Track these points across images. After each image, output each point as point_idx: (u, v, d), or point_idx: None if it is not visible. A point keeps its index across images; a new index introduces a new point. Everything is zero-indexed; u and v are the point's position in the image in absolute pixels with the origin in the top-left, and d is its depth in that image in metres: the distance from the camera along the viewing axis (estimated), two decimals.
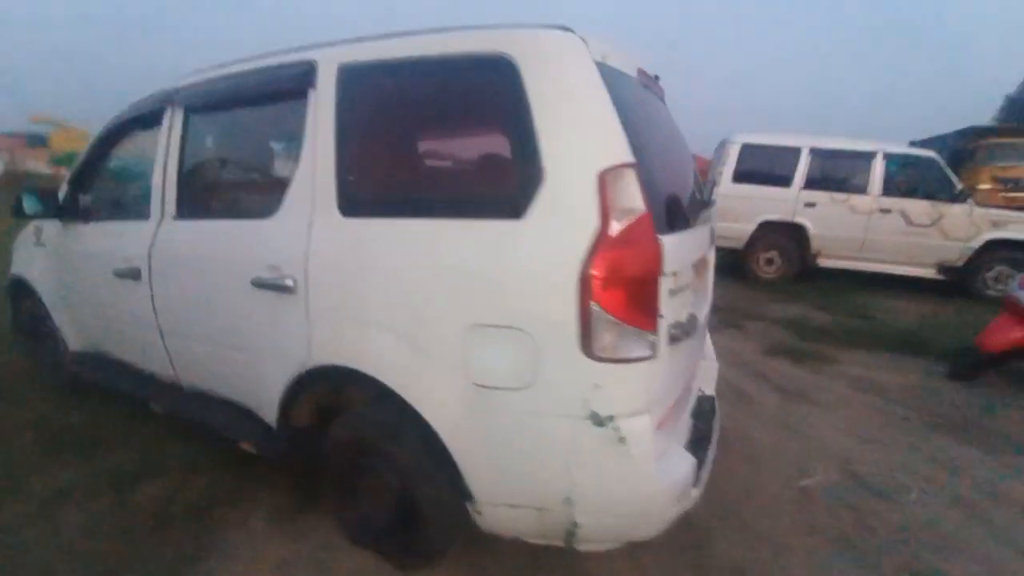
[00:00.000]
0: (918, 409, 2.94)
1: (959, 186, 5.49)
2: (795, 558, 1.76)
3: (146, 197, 2.04)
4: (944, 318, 4.79)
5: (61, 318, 2.60)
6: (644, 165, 1.24)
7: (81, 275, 2.38)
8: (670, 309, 1.28)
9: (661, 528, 1.34)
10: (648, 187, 1.22)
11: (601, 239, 1.15)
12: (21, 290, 2.83)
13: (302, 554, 1.71)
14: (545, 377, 1.22)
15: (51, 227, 2.52)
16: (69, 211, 2.38)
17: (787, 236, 5.85)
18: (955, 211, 5.36)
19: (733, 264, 6.25)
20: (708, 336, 2.17)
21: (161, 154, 1.97)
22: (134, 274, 2.01)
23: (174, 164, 1.94)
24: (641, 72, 1.62)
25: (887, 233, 5.52)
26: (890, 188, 5.54)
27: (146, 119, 2.13)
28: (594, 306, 1.16)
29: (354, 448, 1.62)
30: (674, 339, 1.31)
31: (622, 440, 1.21)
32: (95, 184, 2.42)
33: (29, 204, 2.34)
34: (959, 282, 5.52)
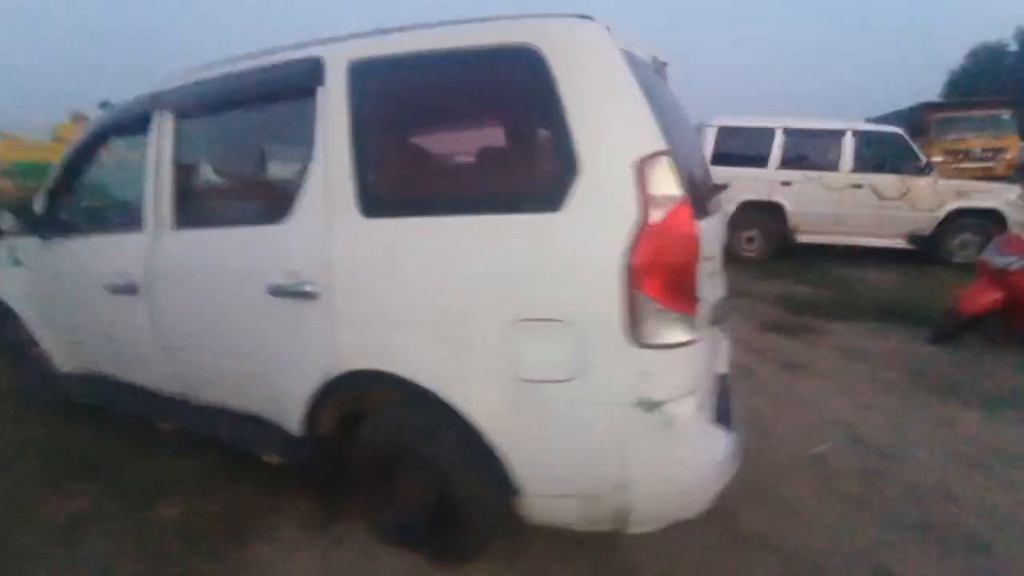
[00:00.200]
0: (908, 373, 3.09)
1: (924, 160, 5.75)
2: (817, 521, 1.84)
3: (137, 208, 1.95)
4: (917, 285, 5.03)
5: (47, 339, 2.47)
6: (672, 152, 1.25)
7: (69, 293, 2.26)
8: (706, 293, 1.30)
9: (706, 505, 1.37)
10: (679, 174, 1.23)
11: (642, 228, 1.16)
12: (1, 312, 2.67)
13: (341, 561, 1.68)
14: (592, 367, 1.22)
15: (28, 244, 2.37)
16: (48, 226, 2.26)
17: (766, 215, 6.01)
18: (921, 183, 5.61)
19: None
20: None
21: (151, 162, 1.88)
22: (129, 289, 1.92)
23: (167, 171, 1.85)
24: (655, 59, 1.63)
25: (859, 207, 5.74)
26: (860, 164, 5.76)
27: (130, 125, 2.03)
28: (639, 294, 1.17)
29: (388, 451, 1.60)
30: (711, 321, 1.34)
31: (671, 423, 1.23)
32: (75, 196, 2.30)
33: (5, 221, 2.21)
34: (927, 250, 5.79)
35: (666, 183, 1.18)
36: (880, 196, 5.66)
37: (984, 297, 3.21)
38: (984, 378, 2.99)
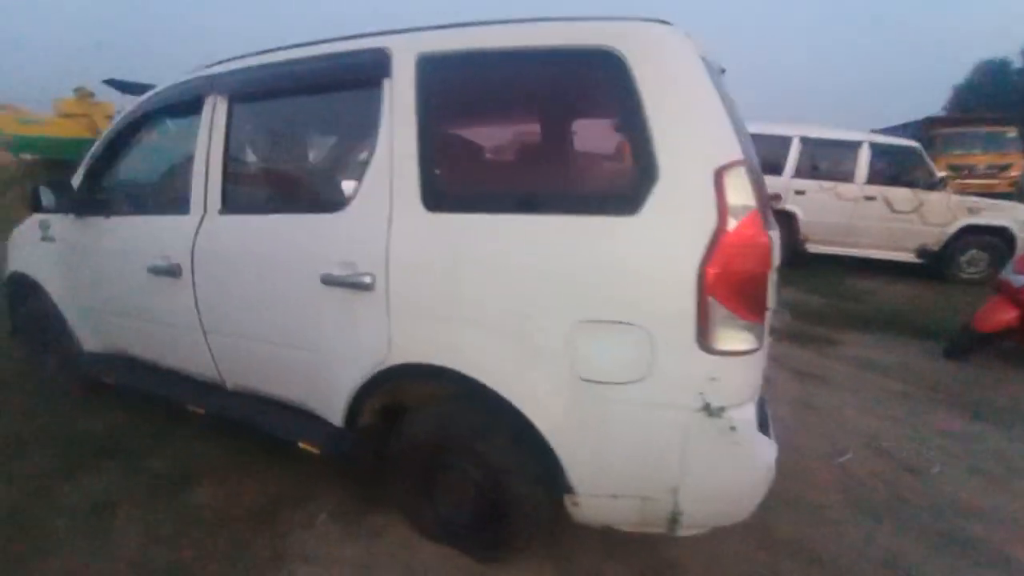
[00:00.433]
0: (922, 387, 3.14)
1: (938, 174, 5.79)
2: (845, 529, 1.88)
3: (183, 190, 1.94)
4: (926, 299, 5.08)
5: (75, 318, 2.46)
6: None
7: (103, 272, 2.24)
8: (770, 302, 1.32)
9: (752, 510, 1.40)
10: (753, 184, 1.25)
11: (719, 236, 1.17)
12: (23, 288, 2.65)
13: (381, 552, 1.70)
14: (660, 370, 1.24)
15: (62, 221, 2.35)
16: (87, 204, 2.24)
17: (778, 223, 6.01)
18: (934, 198, 5.65)
19: None
20: None
21: (202, 145, 1.87)
22: (173, 271, 1.91)
23: (218, 156, 1.84)
24: (718, 65, 1.64)
25: (871, 219, 5.78)
26: (874, 176, 5.79)
27: (179, 107, 2.01)
28: (712, 301, 1.18)
29: (434, 445, 1.61)
30: (771, 331, 1.36)
31: (733, 429, 1.25)
32: (116, 175, 2.27)
33: (47, 197, 2.19)
34: (935, 265, 5.84)
35: (743, 192, 1.20)
36: (893, 209, 5.70)
37: (1000, 315, 3.26)
38: (999, 394, 3.04)
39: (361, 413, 1.69)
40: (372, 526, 1.81)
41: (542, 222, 1.31)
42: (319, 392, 1.76)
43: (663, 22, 1.29)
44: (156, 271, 1.96)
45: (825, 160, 5.96)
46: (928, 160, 5.88)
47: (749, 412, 1.28)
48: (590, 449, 1.35)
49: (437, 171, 1.45)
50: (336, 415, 1.72)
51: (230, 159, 1.85)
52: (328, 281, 1.56)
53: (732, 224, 1.18)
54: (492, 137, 1.61)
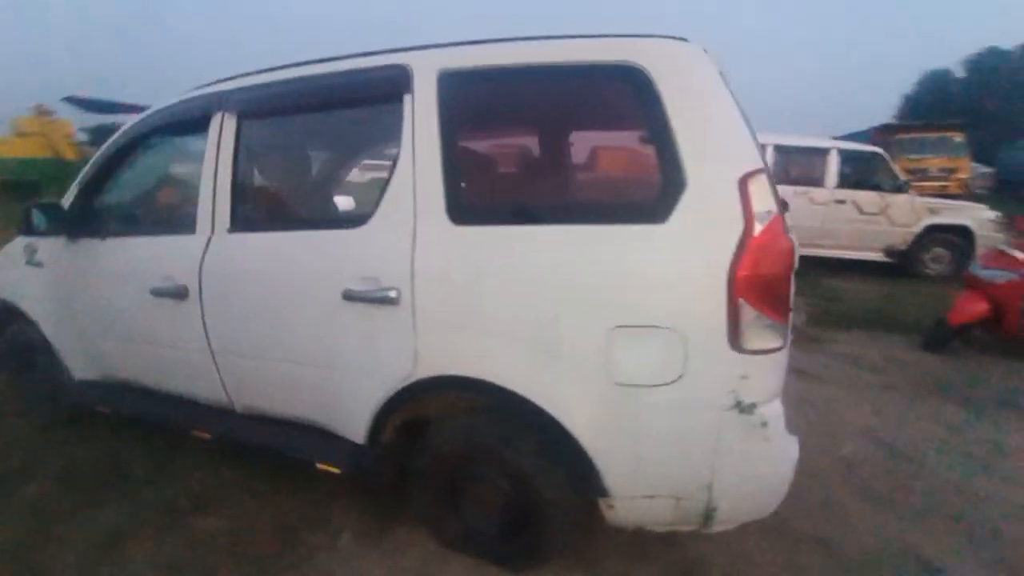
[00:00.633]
0: (908, 378, 3.29)
1: (902, 178, 6.12)
2: (855, 517, 1.95)
3: (188, 209, 1.90)
4: (897, 296, 5.33)
5: (65, 345, 2.36)
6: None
7: (99, 296, 2.16)
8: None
9: (779, 503, 1.45)
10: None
11: (746, 241, 1.23)
12: (4, 316, 2.54)
13: (409, 568, 1.68)
14: (693, 371, 1.28)
15: (51, 244, 2.27)
16: (81, 226, 2.17)
17: None
18: (899, 200, 5.96)
19: None
20: None
21: (210, 164, 1.84)
22: (179, 293, 1.86)
23: (227, 174, 1.81)
24: None
25: (842, 222, 6.05)
26: (843, 181, 6.08)
27: (182, 126, 1.98)
28: (742, 302, 1.23)
29: (461, 456, 1.61)
30: (792, 329, 1.41)
31: (764, 424, 1.30)
32: (111, 195, 2.21)
33: (39, 220, 2.11)
34: (903, 263, 6.14)
35: (766, 199, 1.26)
36: (861, 211, 5.98)
37: (972, 308, 3.45)
38: (977, 383, 3.21)
39: (383, 429, 1.67)
40: (395, 542, 1.79)
41: (572, 232, 1.35)
42: (339, 410, 1.73)
43: (682, 39, 1.36)
44: (159, 293, 1.90)
45: (797, 166, 6.23)
46: (892, 164, 6.21)
47: (778, 408, 1.33)
48: (626, 451, 1.38)
49: (463, 185, 1.47)
50: (358, 432, 1.69)
51: (240, 177, 1.83)
52: (350, 297, 1.56)
53: (758, 229, 1.24)
54: (518, 152, 1.64)
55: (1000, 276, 3.38)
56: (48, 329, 2.37)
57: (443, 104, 1.49)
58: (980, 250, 5.74)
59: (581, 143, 1.73)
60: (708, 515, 1.39)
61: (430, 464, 1.66)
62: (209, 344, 1.89)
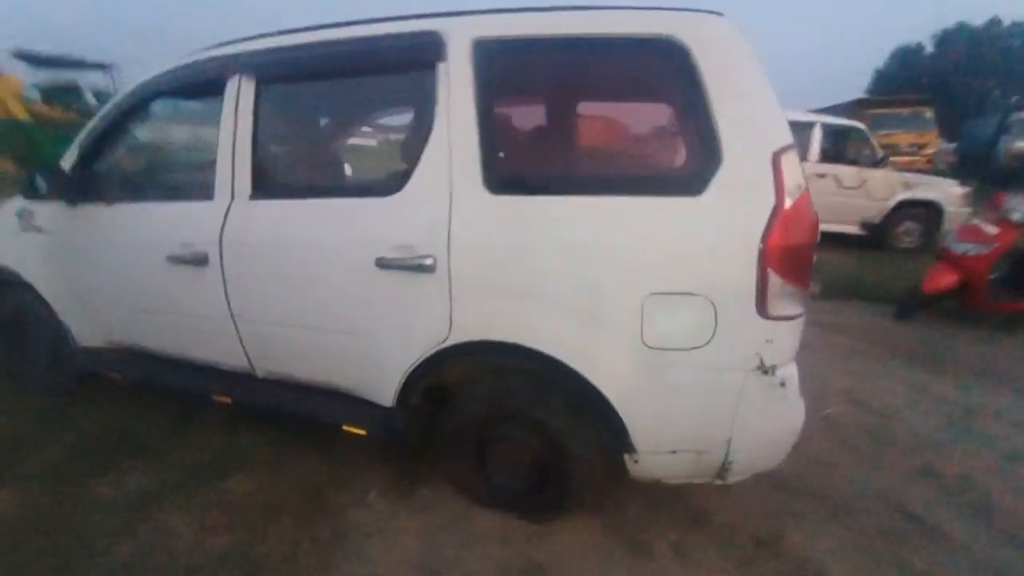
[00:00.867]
0: (881, 344, 3.52)
1: (880, 153, 6.33)
2: (841, 471, 2.13)
3: (205, 175, 1.87)
4: (871, 267, 5.58)
5: (69, 312, 2.32)
6: None
7: (108, 263, 2.12)
8: None
9: (785, 456, 1.59)
10: None
11: (777, 214, 1.31)
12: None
13: (439, 522, 1.77)
14: (722, 335, 1.37)
15: (50, 209, 2.19)
16: (86, 191, 2.10)
17: None
18: (877, 175, 6.18)
19: None
20: None
21: (227, 129, 1.80)
22: (198, 259, 1.85)
23: (246, 140, 1.78)
24: None
25: (823, 195, 6.23)
26: (824, 155, 6.25)
27: (194, 87, 1.92)
28: (771, 272, 1.32)
29: (490, 417, 1.70)
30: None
31: (783, 385, 1.41)
32: (116, 159, 2.14)
33: (41, 184, 2.03)
34: (875, 236, 6.42)
35: (796, 174, 1.33)
36: (841, 185, 6.19)
37: (943, 279, 3.68)
38: (946, 349, 3.46)
39: (412, 393, 1.74)
40: (423, 500, 1.88)
41: (610, 203, 1.40)
42: (368, 374, 1.78)
43: (718, 14, 1.39)
44: (177, 260, 1.88)
45: None
46: (872, 140, 6.41)
47: (793, 370, 1.45)
48: (654, 410, 1.48)
49: (500, 155, 1.49)
50: (386, 396, 1.75)
51: (260, 143, 1.80)
52: (384, 264, 1.58)
53: (788, 203, 1.31)
54: (554, 122, 1.65)
55: (971, 249, 3.60)
56: (51, 296, 2.31)
57: (478, 73, 1.49)
58: (948, 224, 6.06)
59: (620, 115, 1.77)
60: (725, 467, 1.52)
61: (460, 425, 1.74)
62: (230, 310, 1.89)
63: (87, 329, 2.32)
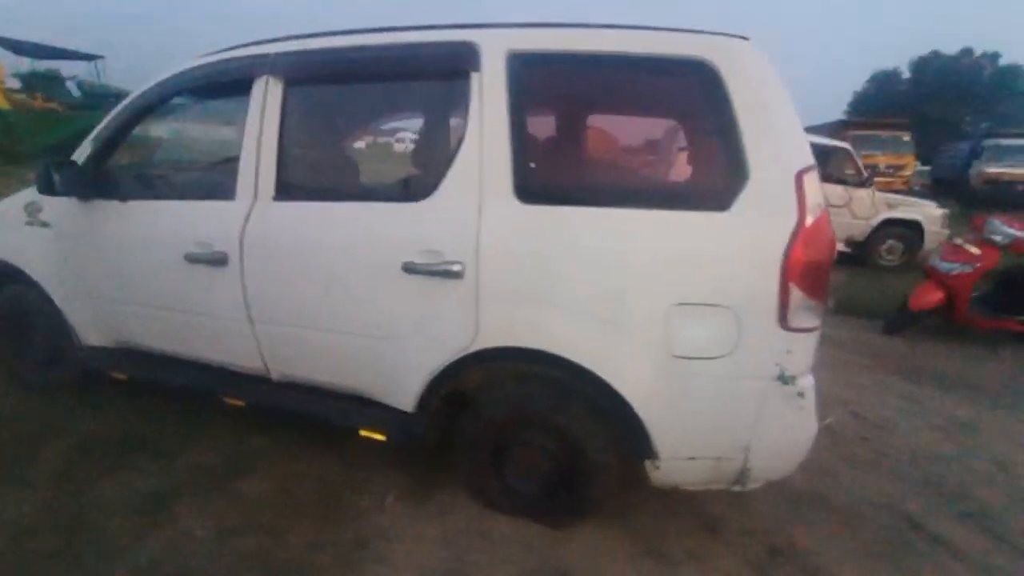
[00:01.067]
0: (872, 357, 3.63)
1: (865, 173, 6.55)
2: (844, 480, 2.19)
3: (227, 175, 1.87)
4: (856, 284, 5.75)
5: (75, 309, 2.27)
6: None
7: (119, 261, 2.09)
8: None
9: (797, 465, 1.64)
10: None
11: (799, 230, 1.37)
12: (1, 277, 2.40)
13: (457, 527, 1.78)
14: (745, 346, 1.42)
15: (58, 204, 2.15)
16: (100, 187, 2.07)
17: None
18: (861, 194, 6.39)
19: None
20: None
21: (253, 129, 1.80)
22: (217, 259, 1.84)
23: (272, 141, 1.79)
24: None
25: None
26: None
27: (219, 87, 1.92)
28: (792, 286, 1.38)
29: (510, 422, 1.71)
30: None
31: (801, 395, 1.47)
32: (131, 155, 2.11)
33: (55, 178, 2.00)
34: (859, 254, 6.62)
35: (817, 192, 1.40)
36: (828, 203, 6.34)
37: (930, 296, 3.83)
38: (934, 363, 3.59)
39: (433, 397, 1.74)
40: (440, 504, 1.88)
41: (638, 216, 1.45)
42: (389, 378, 1.78)
43: (744, 38, 1.46)
44: (194, 259, 1.87)
45: None
46: (858, 160, 6.63)
47: (811, 380, 1.50)
48: (676, 418, 1.52)
49: (531, 165, 1.53)
50: (407, 401, 1.76)
51: (286, 145, 1.80)
52: (410, 269, 1.60)
53: (810, 220, 1.38)
54: (586, 136, 1.70)
55: (955, 268, 3.75)
56: (55, 292, 2.27)
57: (512, 84, 1.53)
58: (928, 243, 6.29)
59: (648, 131, 1.82)
60: (743, 475, 1.56)
61: (480, 429, 1.75)
62: (248, 312, 1.88)
63: (92, 327, 2.28)
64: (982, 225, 3.88)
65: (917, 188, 14.60)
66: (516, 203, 1.52)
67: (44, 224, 2.22)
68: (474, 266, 1.55)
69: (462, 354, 1.63)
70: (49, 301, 2.28)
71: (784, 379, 1.45)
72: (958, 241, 3.97)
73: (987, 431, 2.69)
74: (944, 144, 16.99)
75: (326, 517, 1.77)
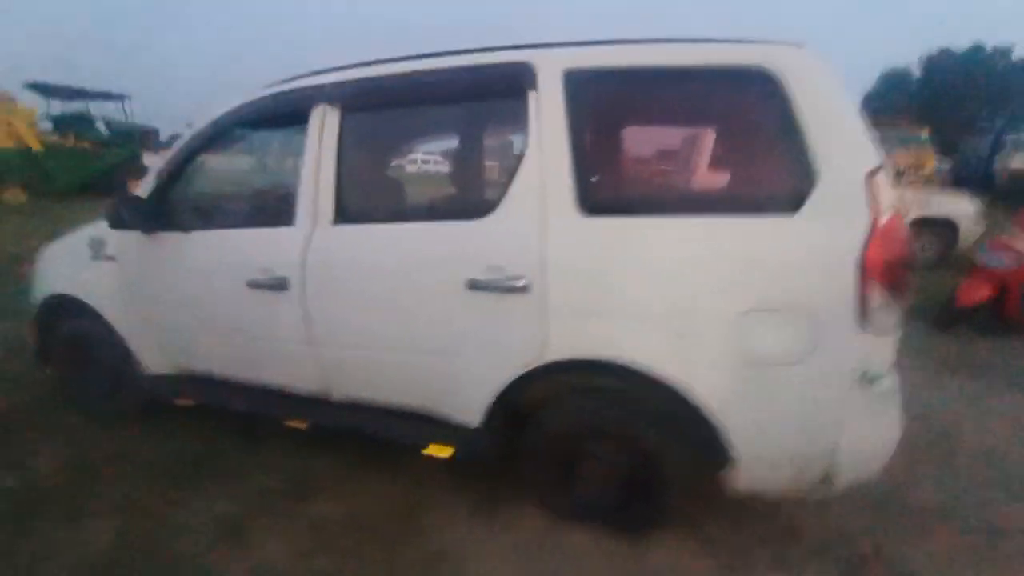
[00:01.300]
0: (925, 355, 3.53)
1: (895, 172, 6.47)
2: (921, 482, 2.13)
3: (287, 201, 1.92)
4: None
5: (139, 339, 2.33)
6: None
7: (184, 290, 2.15)
8: None
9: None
10: None
11: (873, 231, 1.36)
12: (61, 312, 2.49)
13: (531, 541, 1.76)
14: (823, 348, 1.40)
15: (123, 237, 2.23)
16: (165, 220, 2.15)
17: None
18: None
19: None
20: None
21: (311, 157, 1.86)
22: (278, 284, 1.88)
23: (330, 167, 1.84)
24: None
25: None
26: None
27: (276, 119, 1.99)
28: (869, 286, 1.36)
29: (579, 436, 1.71)
30: None
31: (885, 394, 1.44)
32: (194, 188, 2.19)
33: (124, 214, 2.08)
34: None
35: (888, 192, 1.39)
36: None
37: (978, 292, 3.74)
38: (988, 360, 3.49)
39: (499, 412, 1.75)
40: (509, 519, 1.87)
41: (707, 223, 1.45)
42: (454, 395, 1.79)
43: (800, 45, 1.47)
44: (257, 285, 1.92)
45: None
46: (890, 160, 6.55)
47: (895, 379, 1.48)
48: (756, 424, 1.50)
49: (593, 179, 1.55)
50: (472, 417, 1.76)
51: (343, 170, 1.86)
52: (475, 286, 1.62)
53: (884, 219, 1.37)
54: (649, 148, 1.72)
55: (1004, 263, 3.66)
56: (120, 324, 2.34)
57: (570, 102, 1.56)
58: (963, 240, 6.14)
59: (714, 141, 1.84)
60: (828, 478, 1.52)
61: (548, 443, 1.74)
62: (310, 334, 1.92)
63: (156, 355, 2.33)
64: None
65: (938, 186, 14.34)
66: (579, 216, 1.54)
67: (110, 258, 2.30)
68: (541, 280, 1.56)
69: (529, 368, 1.64)
70: (112, 332, 2.35)
71: (868, 379, 1.42)
72: (1004, 235, 3.88)
73: None
74: (966, 141, 16.75)
75: (399, 536, 1.77)
